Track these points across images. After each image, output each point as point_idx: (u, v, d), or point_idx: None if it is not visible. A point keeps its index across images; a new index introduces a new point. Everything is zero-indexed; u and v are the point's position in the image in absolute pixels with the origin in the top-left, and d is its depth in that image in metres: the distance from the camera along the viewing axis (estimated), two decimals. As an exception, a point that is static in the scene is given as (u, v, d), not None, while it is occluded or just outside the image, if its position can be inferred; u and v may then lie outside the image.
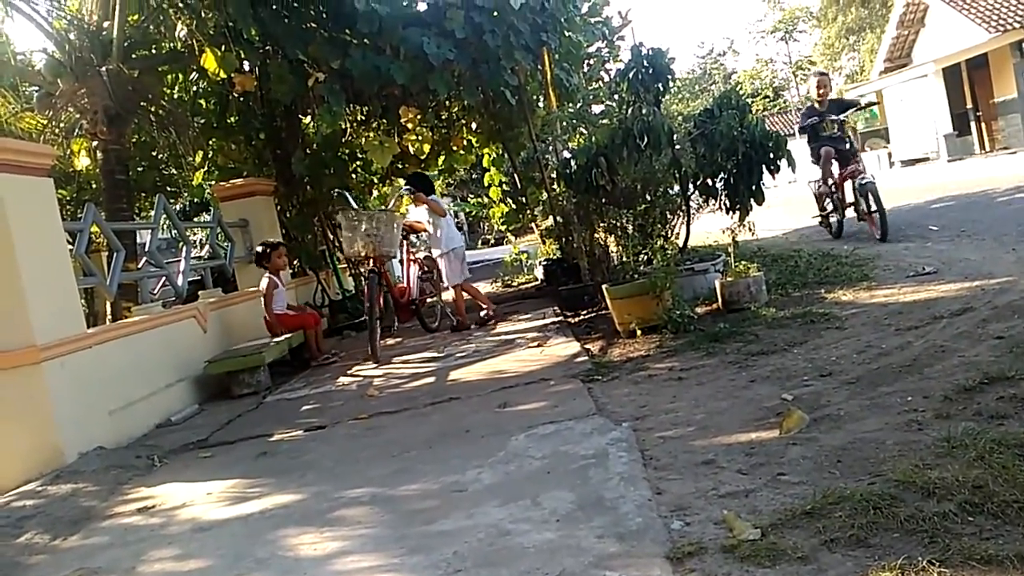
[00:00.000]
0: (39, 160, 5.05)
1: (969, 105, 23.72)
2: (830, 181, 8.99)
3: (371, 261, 7.30)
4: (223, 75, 8.07)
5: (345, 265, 10.26)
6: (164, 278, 7.54)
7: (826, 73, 10.70)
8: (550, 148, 9.99)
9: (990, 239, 7.09)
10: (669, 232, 6.84)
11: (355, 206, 7.66)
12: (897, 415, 3.15)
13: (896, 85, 26.05)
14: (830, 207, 9.24)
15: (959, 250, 6.89)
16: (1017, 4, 21.37)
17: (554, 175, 8.57)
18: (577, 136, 10.64)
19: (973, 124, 23.70)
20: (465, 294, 8.02)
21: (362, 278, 8.83)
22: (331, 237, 9.90)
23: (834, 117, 8.89)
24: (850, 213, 8.94)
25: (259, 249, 7.63)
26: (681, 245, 7.13)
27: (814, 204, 9.69)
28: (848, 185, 8.75)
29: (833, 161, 8.87)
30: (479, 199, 14.43)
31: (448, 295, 9.10)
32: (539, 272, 11.18)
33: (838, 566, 2.07)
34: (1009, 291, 4.91)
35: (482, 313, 7.86)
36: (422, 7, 7.90)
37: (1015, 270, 5.52)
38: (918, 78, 24.56)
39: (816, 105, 9.32)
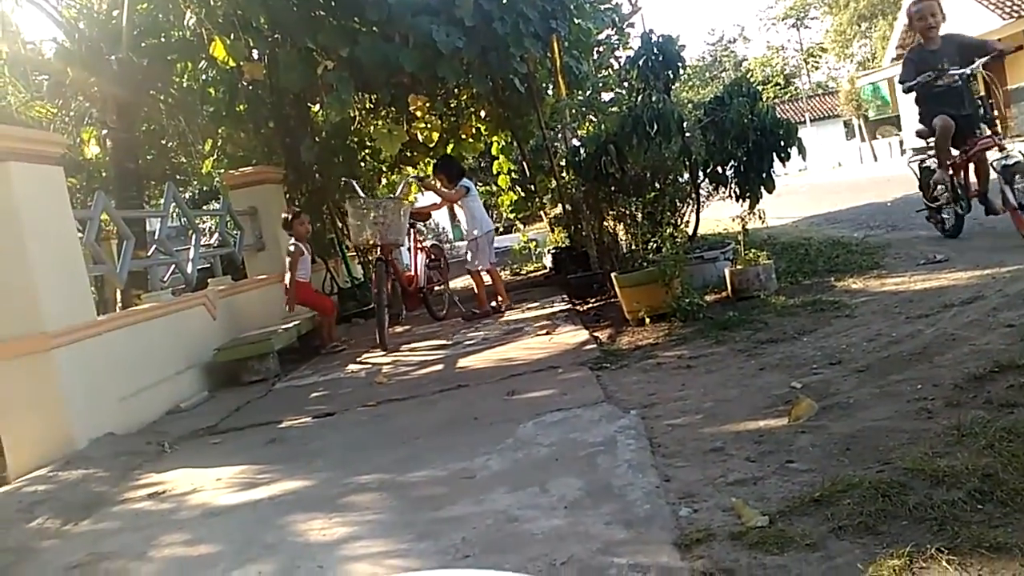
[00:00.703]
0: (49, 148, 5.07)
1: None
2: (948, 162, 6.54)
3: (379, 249, 7.29)
4: (232, 63, 8.06)
5: (354, 253, 10.27)
6: (174, 266, 7.56)
7: None
8: (559, 136, 9.93)
9: (1001, 227, 7.03)
10: (679, 220, 6.82)
11: (362, 194, 7.61)
12: (907, 403, 3.13)
13: (908, 72, 25.84)
14: (945, 197, 6.78)
15: (970, 238, 6.84)
16: (1031, -10, 21.18)
17: (563, 163, 8.54)
18: (586, 124, 10.59)
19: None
20: (488, 279, 7.97)
21: (370, 266, 8.79)
22: (340, 225, 9.91)
23: (956, 71, 6.23)
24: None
25: (284, 215, 7.89)
26: (691, 233, 7.12)
27: (827, 193, 9.38)
28: (978, 167, 6.40)
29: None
30: (488, 187, 14.42)
31: (456, 283, 9.10)
32: (548, 260, 11.17)
33: (846, 553, 2.07)
34: (1020, 279, 4.87)
35: (493, 303, 7.83)
36: (431, -6, 7.87)
37: (1027, 258, 5.48)
38: (931, 65, 24.37)
39: (924, 45, 6.49)
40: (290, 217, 7.72)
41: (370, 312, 8.62)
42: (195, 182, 13.28)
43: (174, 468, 4.18)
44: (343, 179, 8.12)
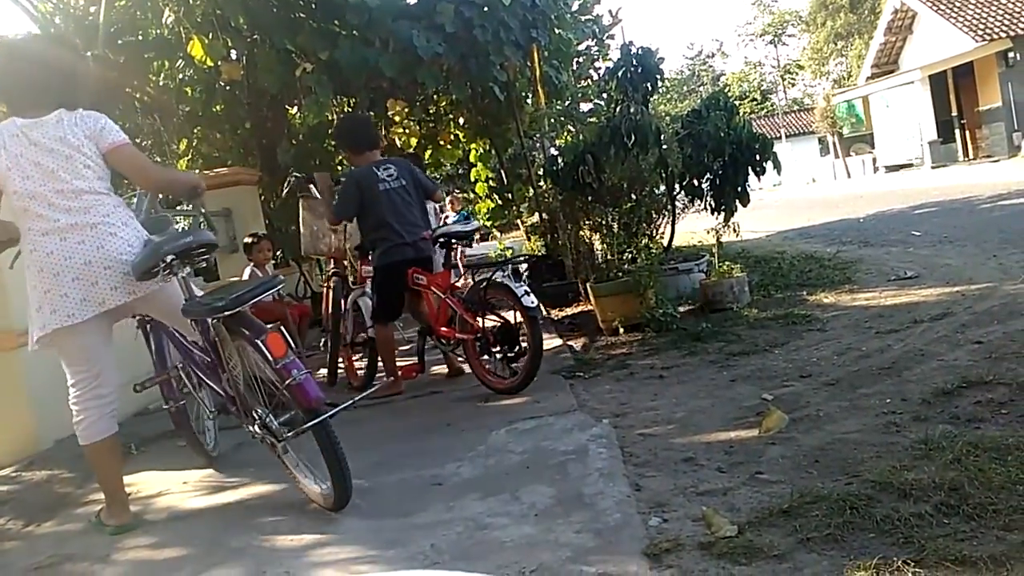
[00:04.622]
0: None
1: (954, 113, 23.95)
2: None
3: (332, 261, 5.88)
4: (210, 63, 8.01)
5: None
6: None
7: None
8: (537, 145, 9.98)
9: (972, 245, 7.15)
10: (654, 231, 6.85)
11: (315, 193, 5.79)
12: (875, 417, 3.17)
13: (882, 91, 26.26)
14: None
15: (941, 255, 6.95)
16: (1004, 14, 21.62)
17: (541, 172, 8.57)
18: (565, 133, 10.63)
19: (957, 131, 23.94)
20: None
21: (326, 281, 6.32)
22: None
23: None
24: None
25: (247, 240, 7.62)
26: (666, 244, 7.15)
27: (800, 209, 9.43)
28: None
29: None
30: (465, 194, 14.40)
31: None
32: (523, 268, 11.15)
33: (814, 565, 2.08)
34: (989, 297, 4.95)
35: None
36: (412, 0, 7.87)
37: (995, 276, 5.57)
38: (904, 84, 24.76)
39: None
40: (251, 242, 7.46)
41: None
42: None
43: (141, 470, 4.12)
44: (294, 176, 6.02)
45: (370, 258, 5.15)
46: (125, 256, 3.04)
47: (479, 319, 4.54)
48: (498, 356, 4.56)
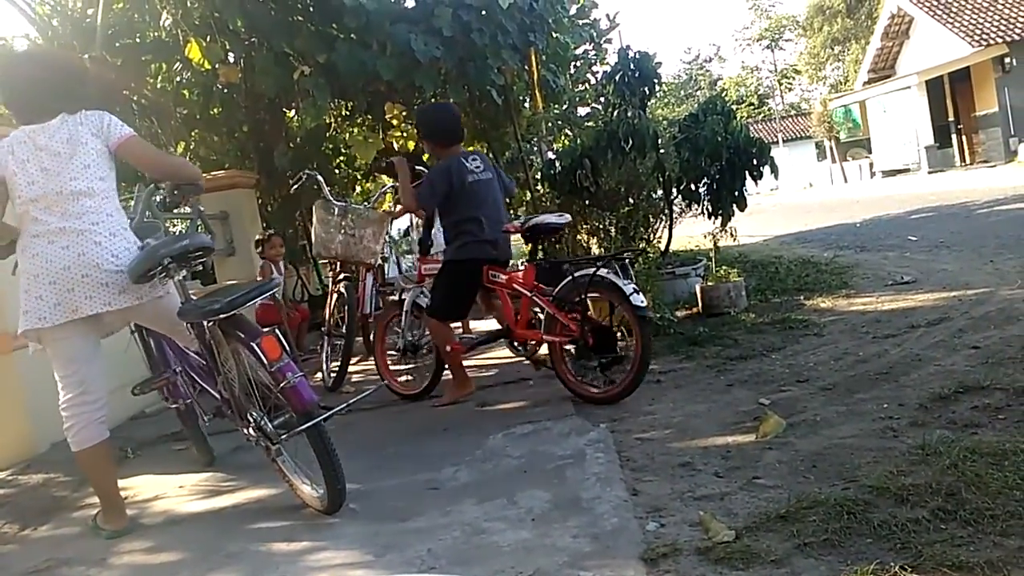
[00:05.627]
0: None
1: (951, 118, 24.01)
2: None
3: (339, 265, 6.01)
4: (207, 66, 7.99)
5: (326, 260, 10.17)
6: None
7: None
8: (535, 148, 9.96)
9: (968, 250, 7.16)
10: (651, 235, 6.86)
11: (327, 193, 6.04)
12: (872, 422, 3.17)
13: (879, 96, 26.32)
14: None
15: (937, 260, 6.96)
16: (1000, 19, 21.69)
17: (538, 176, 8.55)
18: (562, 137, 10.63)
19: (954, 137, 24.00)
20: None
21: (332, 286, 6.19)
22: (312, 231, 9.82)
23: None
24: None
25: (258, 237, 7.73)
26: (663, 249, 7.16)
27: (797, 213, 9.41)
28: None
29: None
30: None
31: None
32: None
33: (811, 570, 2.08)
34: (986, 302, 4.96)
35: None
36: (410, 3, 7.86)
37: (992, 281, 5.58)
38: (901, 90, 24.82)
39: None
40: (262, 238, 7.58)
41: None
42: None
43: (137, 474, 4.11)
44: (306, 173, 6.44)
45: (443, 253, 4.80)
46: (106, 266, 3.04)
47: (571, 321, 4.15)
48: (593, 362, 4.16)
